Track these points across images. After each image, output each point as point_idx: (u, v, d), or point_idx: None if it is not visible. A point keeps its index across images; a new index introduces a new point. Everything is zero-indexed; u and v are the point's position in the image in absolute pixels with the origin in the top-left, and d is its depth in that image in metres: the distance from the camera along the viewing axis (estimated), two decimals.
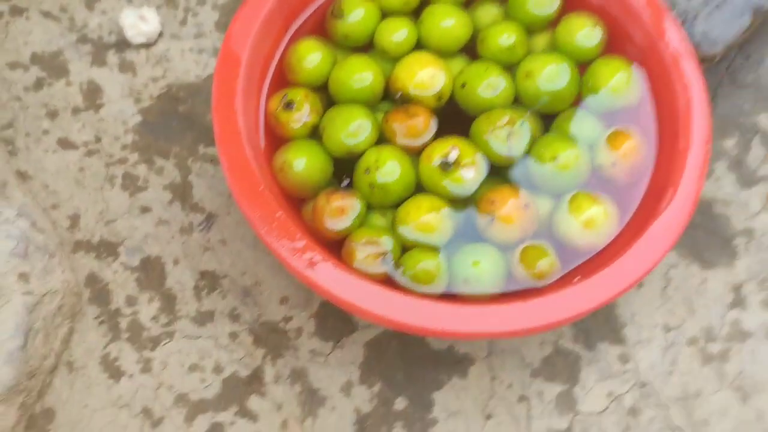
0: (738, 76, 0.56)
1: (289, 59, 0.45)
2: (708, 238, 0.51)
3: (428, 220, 0.40)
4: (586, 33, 0.45)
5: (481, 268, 0.40)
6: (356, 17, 0.45)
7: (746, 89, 0.55)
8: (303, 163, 0.41)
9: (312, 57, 0.44)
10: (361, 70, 0.44)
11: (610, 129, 0.43)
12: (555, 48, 0.46)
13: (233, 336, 0.47)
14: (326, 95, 0.45)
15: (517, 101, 0.44)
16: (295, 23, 0.46)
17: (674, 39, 0.44)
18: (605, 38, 0.45)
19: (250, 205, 0.38)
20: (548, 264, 0.40)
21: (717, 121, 0.54)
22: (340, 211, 0.40)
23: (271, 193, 0.39)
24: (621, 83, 0.44)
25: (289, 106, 0.43)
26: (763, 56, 0.56)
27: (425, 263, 0.40)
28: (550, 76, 0.43)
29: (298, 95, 0.43)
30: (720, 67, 0.56)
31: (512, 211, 0.40)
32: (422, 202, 0.41)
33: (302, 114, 0.43)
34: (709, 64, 0.50)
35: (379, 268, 0.40)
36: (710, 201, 0.52)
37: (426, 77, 0.43)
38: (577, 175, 0.41)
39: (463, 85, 0.43)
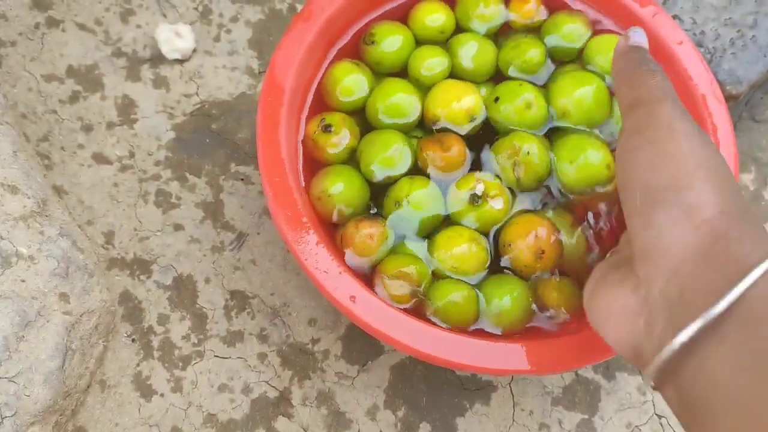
0: (756, 112, 0.57)
1: (325, 83, 0.46)
2: None
3: (463, 251, 0.41)
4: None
5: (508, 301, 0.41)
6: (389, 45, 0.46)
7: (765, 124, 0.57)
8: (341, 188, 0.42)
9: (349, 79, 0.45)
10: (399, 94, 0.45)
11: None
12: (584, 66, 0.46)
13: (262, 357, 0.47)
14: (363, 119, 0.46)
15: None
16: (335, 48, 0.47)
17: (704, 80, 0.45)
18: None
19: (294, 236, 0.39)
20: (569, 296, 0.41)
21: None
22: (369, 237, 0.41)
23: (312, 223, 0.40)
24: None
25: (327, 129, 0.43)
26: None
27: (455, 295, 0.41)
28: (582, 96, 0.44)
29: (336, 118, 0.44)
30: (740, 103, 0.57)
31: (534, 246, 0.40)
32: (462, 232, 0.41)
33: (341, 137, 0.44)
34: (733, 102, 0.51)
35: (409, 302, 0.40)
36: None
37: (460, 106, 0.44)
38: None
39: (496, 100, 0.44)
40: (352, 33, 0.47)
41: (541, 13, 0.48)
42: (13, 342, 0.38)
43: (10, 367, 0.38)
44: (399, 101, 0.44)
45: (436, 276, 0.42)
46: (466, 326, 0.41)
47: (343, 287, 0.38)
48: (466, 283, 0.41)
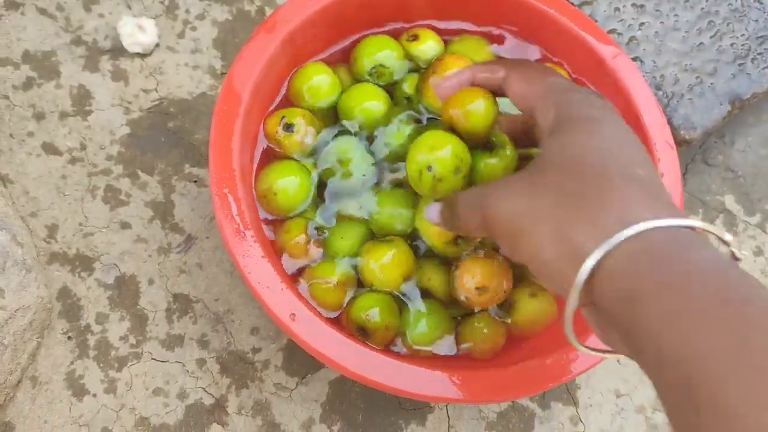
0: (709, 156, 0.58)
1: (294, 84, 0.45)
2: None
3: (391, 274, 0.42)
4: None
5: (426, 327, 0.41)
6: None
7: (716, 168, 0.58)
8: (286, 184, 0.42)
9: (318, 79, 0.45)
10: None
11: None
12: None
13: (201, 362, 0.47)
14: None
15: None
16: (298, 62, 0.46)
17: (657, 127, 0.46)
18: None
19: (239, 249, 0.38)
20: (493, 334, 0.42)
21: (685, 197, 0.57)
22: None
23: (258, 237, 0.39)
24: None
25: (288, 128, 0.43)
26: (735, 138, 0.59)
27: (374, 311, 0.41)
28: None
29: (295, 115, 0.44)
30: (693, 146, 0.58)
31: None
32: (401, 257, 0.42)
33: (302, 135, 0.43)
34: (686, 146, 0.52)
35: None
36: None
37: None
38: None
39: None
40: (328, 53, 0.47)
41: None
42: None
43: None
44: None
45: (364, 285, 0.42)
46: (386, 341, 0.41)
47: (284, 303, 0.38)
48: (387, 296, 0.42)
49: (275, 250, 0.43)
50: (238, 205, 0.40)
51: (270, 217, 0.44)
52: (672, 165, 0.45)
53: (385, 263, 0.41)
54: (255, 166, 0.44)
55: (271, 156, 0.45)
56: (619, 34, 0.52)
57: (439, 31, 0.49)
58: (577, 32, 0.48)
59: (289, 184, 0.43)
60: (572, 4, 0.52)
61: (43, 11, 0.54)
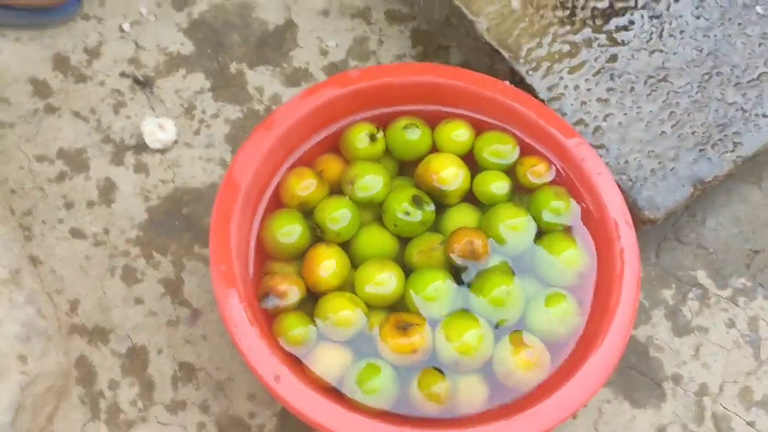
0: (681, 233, 0.62)
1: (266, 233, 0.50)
2: (641, 378, 0.56)
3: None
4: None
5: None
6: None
7: (688, 246, 0.62)
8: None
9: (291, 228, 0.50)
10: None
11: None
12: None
13: (201, 426, 0.51)
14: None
15: None
16: (293, 156, 0.53)
17: (617, 207, 0.50)
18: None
19: (233, 319, 0.43)
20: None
21: (658, 272, 0.61)
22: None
23: (249, 307, 0.44)
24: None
25: (270, 303, 0.47)
26: (705, 217, 0.63)
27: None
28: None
29: (280, 283, 0.47)
30: (666, 224, 0.63)
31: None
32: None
33: (291, 298, 0.48)
34: (651, 225, 0.56)
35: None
36: (646, 345, 0.58)
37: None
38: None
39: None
40: (311, 144, 0.54)
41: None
42: None
43: None
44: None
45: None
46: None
47: (269, 367, 0.43)
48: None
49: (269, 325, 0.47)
50: (233, 280, 0.45)
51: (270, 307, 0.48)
52: (630, 240, 0.49)
53: None
54: (253, 242, 0.50)
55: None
56: (586, 124, 0.58)
57: (420, 114, 0.55)
58: (544, 125, 0.54)
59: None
60: (542, 99, 0.58)
61: (77, 114, 0.62)
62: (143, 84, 0.64)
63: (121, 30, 0.67)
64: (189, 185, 0.60)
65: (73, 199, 0.58)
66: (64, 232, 0.57)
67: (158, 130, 0.61)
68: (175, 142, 0.62)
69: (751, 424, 0.55)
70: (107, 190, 0.59)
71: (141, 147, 0.61)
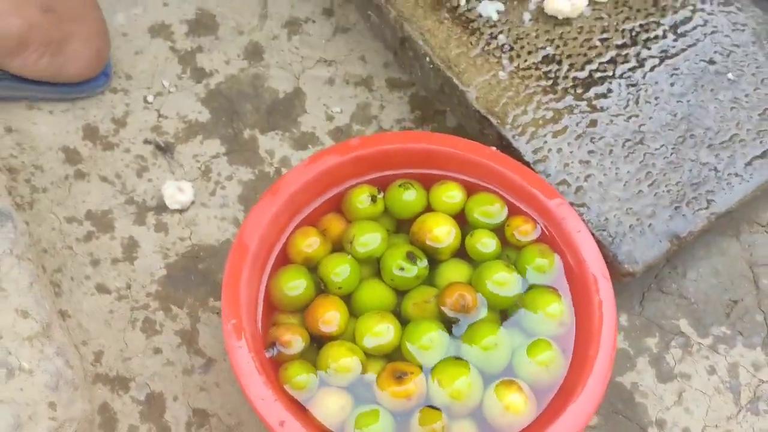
0: (664, 285, 0.66)
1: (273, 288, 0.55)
2: (627, 423, 0.60)
3: None
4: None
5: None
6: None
7: (670, 296, 0.66)
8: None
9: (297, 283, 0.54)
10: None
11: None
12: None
13: None
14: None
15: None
16: (299, 217, 0.58)
17: (595, 262, 0.55)
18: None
19: (242, 369, 0.48)
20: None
21: (643, 322, 0.65)
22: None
23: (257, 356, 0.49)
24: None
25: (275, 352, 0.51)
26: (686, 269, 0.67)
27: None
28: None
29: (285, 334, 0.52)
30: (649, 275, 0.67)
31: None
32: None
33: (295, 347, 0.52)
34: (631, 278, 0.61)
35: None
36: (631, 391, 0.61)
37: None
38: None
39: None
40: (316, 205, 0.59)
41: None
42: None
43: None
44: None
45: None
46: None
47: (275, 413, 0.47)
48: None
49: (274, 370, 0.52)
50: (242, 333, 0.50)
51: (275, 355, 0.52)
52: (608, 294, 0.54)
53: None
54: (261, 297, 0.54)
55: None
56: (569, 185, 0.63)
57: (416, 176, 0.60)
58: (528, 187, 0.58)
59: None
60: (527, 162, 0.63)
61: (104, 179, 0.68)
62: (164, 150, 0.70)
63: (146, 101, 0.73)
64: (205, 243, 0.66)
65: (99, 256, 0.63)
66: (90, 287, 0.62)
67: (177, 192, 0.67)
68: (193, 202, 0.68)
69: None
70: (130, 248, 0.64)
71: (161, 208, 0.67)
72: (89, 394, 0.55)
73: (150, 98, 0.73)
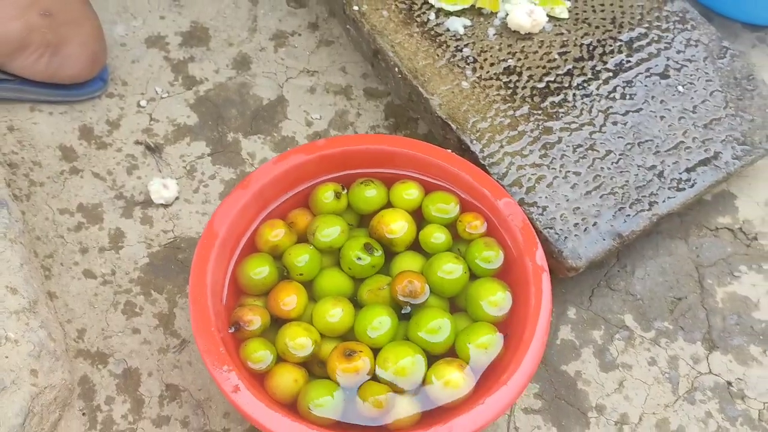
0: (612, 282, 0.71)
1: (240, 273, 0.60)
2: (568, 408, 0.64)
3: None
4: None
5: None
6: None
7: (618, 292, 0.70)
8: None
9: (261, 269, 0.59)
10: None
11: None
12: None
13: None
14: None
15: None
16: (267, 210, 0.63)
17: (534, 255, 0.59)
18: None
19: (204, 345, 0.53)
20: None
21: (590, 315, 0.69)
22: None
23: (218, 333, 0.54)
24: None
25: (237, 328, 0.56)
26: (635, 268, 0.71)
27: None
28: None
29: (247, 314, 0.57)
30: (599, 273, 0.71)
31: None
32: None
33: (254, 325, 0.57)
34: (575, 273, 0.65)
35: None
36: (575, 378, 0.65)
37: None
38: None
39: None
40: (282, 200, 0.64)
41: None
42: None
43: None
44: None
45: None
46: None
47: (230, 380, 0.52)
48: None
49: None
50: (207, 312, 0.55)
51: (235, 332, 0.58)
52: (543, 283, 0.58)
53: None
54: (227, 279, 0.60)
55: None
56: (521, 185, 0.67)
57: (378, 175, 0.65)
58: (479, 187, 0.63)
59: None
60: (482, 165, 0.68)
61: (96, 175, 0.74)
62: (154, 150, 0.76)
63: (139, 105, 0.79)
64: (186, 235, 0.71)
65: (88, 245, 0.69)
66: (78, 272, 0.68)
67: (162, 189, 0.72)
68: (177, 198, 0.73)
69: None
70: (117, 239, 0.70)
71: (147, 203, 0.73)
72: (70, 366, 0.61)
73: (143, 103, 0.79)
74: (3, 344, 0.55)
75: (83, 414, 0.60)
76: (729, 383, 0.65)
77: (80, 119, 0.77)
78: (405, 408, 0.55)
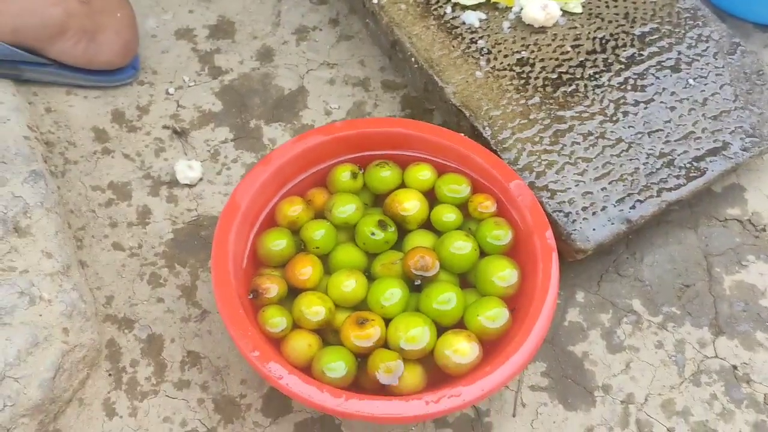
0: (621, 268, 0.72)
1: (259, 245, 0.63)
2: (575, 387, 0.66)
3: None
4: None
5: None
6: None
7: (626, 278, 0.72)
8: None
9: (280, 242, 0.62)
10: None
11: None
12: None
13: (200, 401, 0.63)
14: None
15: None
16: (286, 187, 0.67)
17: (542, 234, 0.61)
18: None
19: (228, 316, 0.56)
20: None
21: (598, 300, 0.71)
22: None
23: (239, 299, 0.57)
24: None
25: (255, 295, 0.59)
26: (643, 255, 0.73)
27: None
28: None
29: (265, 282, 0.60)
30: (608, 259, 0.73)
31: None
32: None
33: (272, 293, 0.60)
34: (582, 255, 0.67)
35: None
36: (582, 359, 0.67)
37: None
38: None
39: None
40: (302, 178, 0.67)
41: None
42: (24, 354, 0.56)
43: (17, 371, 0.55)
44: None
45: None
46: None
47: (249, 343, 0.55)
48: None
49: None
50: (228, 278, 0.58)
51: (254, 299, 0.61)
52: (550, 260, 0.60)
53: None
54: (247, 250, 0.63)
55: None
56: (532, 170, 0.70)
57: (393, 157, 0.68)
58: (490, 169, 0.66)
59: None
60: (494, 149, 0.70)
61: (126, 156, 0.77)
62: (180, 134, 0.80)
63: (167, 93, 0.83)
64: (209, 214, 0.74)
65: (117, 220, 0.73)
66: (107, 245, 0.71)
67: (188, 170, 0.76)
68: (201, 179, 0.77)
69: (670, 430, 0.63)
70: (144, 215, 0.74)
71: (173, 183, 0.76)
72: (99, 328, 0.64)
73: (171, 90, 0.83)
74: (37, 303, 0.58)
75: (109, 375, 0.63)
76: (735, 367, 0.67)
77: (113, 104, 0.81)
78: (415, 374, 0.57)
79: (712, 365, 0.67)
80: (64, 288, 0.60)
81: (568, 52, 0.77)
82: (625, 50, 0.77)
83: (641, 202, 0.69)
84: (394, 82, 0.86)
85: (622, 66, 0.76)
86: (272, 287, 0.60)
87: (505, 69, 0.76)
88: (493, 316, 0.59)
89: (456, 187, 0.66)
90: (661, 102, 0.74)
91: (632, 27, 0.79)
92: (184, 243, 0.72)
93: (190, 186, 0.76)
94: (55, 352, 0.57)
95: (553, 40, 0.78)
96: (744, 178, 0.78)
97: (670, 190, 0.69)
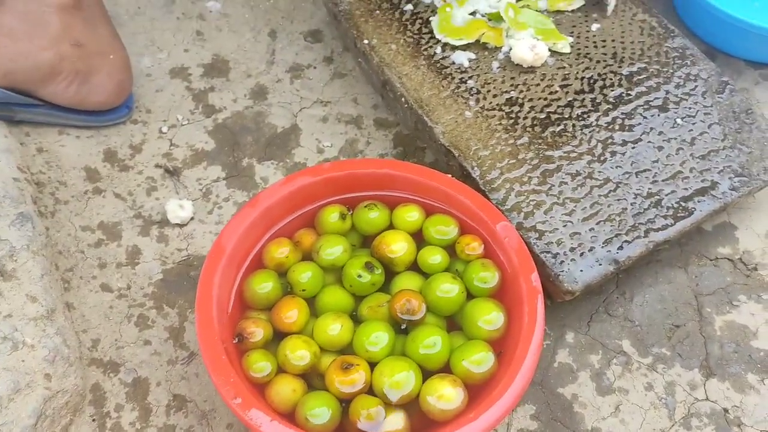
0: (611, 308, 0.72)
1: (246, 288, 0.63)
2: (564, 430, 0.65)
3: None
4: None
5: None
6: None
7: (616, 318, 0.71)
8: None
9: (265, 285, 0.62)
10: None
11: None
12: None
13: None
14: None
15: None
16: (274, 228, 0.67)
17: (529, 277, 0.61)
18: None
19: (209, 356, 0.56)
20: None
21: (588, 340, 0.70)
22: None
23: (223, 344, 0.57)
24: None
25: (240, 339, 0.59)
26: (633, 294, 0.73)
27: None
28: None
29: (250, 326, 0.60)
30: (598, 299, 0.72)
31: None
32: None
33: (257, 337, 0.60)
34: (570, 296, 0.67)
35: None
36: (571, 401, 0.66)
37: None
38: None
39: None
40: (289, 220, 0.68)
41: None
42: (5, 401, 0.56)
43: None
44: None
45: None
46: None
47: (231, 390, 0.54)
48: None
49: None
50: (211, 323, 0.58)
51: (239, 343, 0.61)
52: (537, 303, 0.60)
53: None
54: (233, 293, 0.62)
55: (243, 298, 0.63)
56: (520, 211, 0.70)
57: (381, 198, 0.68)
58: (477, 211, 0.66)
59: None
60: (482, 190, 0.70)
61: (118, 195, 0.78)
62: (172, 173, 0.80)
63: (161, 132, 0.84)
64: (199, 254, 0.75)
65: (106, 260, 0.73)
66: (95, 286, 0.71)
67: (179, 209, 0.76)
68: (192, 219, 0.77)
69: None
70: (133, 255, 0.74)
71: (164, 222, 0.76)
72: (83, 373, 0.63)
73: (165, 129, 0.84)
74: (20, 348, 0.58)
75: (93, 420, 0.63)
76: (726, 410, 0.66)
77: (105, 143, 0.82)
78: (397, 421, 0.56)
79: (703, 408, 0.66)
80: (48, 333, 0.60)
81: (556, 91, 0.77)
82: (613, 90, 0.78)
83: (629, 242, 0.69)
84: (387, 120, 0.86)
85: (610, 106, 0.77)
86: (257, 331, 0.60)
87: (494, 109, 0.76)
88: (478, 360, 0.59)
89: (443, 228, 0.66)
90: (649, 142, 0.75)
91: (620, 67, 0.80)
92: (173, 283, 0.72)
93: (180, 225, 0.76)
94: (37, 399, 0.57)
95: (541, 80, 0.78)
96: (735, 216, 0.78)
97: (657, 230, 0.69)
